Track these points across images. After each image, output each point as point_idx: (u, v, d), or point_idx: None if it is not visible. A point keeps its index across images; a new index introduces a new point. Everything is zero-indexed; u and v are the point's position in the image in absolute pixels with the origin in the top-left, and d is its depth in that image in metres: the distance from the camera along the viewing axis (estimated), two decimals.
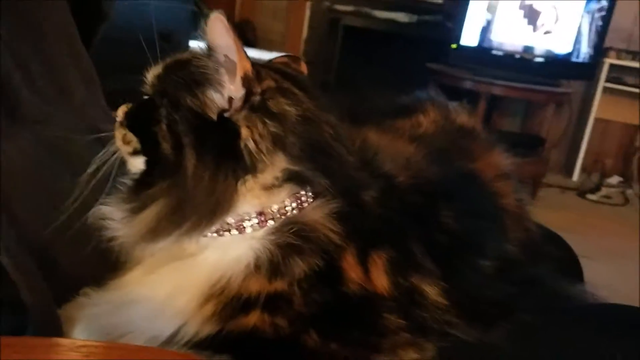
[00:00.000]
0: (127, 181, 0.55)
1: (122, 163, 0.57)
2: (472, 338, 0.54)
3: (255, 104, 0.51)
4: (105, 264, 0.58)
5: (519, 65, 3.42)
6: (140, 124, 0.54)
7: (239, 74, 0.49)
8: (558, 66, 3.48)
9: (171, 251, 0.52)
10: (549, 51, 3.49)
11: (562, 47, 3.48)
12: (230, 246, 0.51)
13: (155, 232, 0.50)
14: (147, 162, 0.53)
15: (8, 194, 0.54)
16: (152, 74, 0.56)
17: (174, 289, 0.51)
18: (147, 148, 0.53)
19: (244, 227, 0.52)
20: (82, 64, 0.76)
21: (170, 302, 0.50)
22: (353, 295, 0.51)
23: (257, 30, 3.41)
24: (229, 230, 0.52)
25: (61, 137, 0.64)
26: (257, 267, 0.49)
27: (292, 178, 0.52)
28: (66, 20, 0.77)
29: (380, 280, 0.53)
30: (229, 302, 0.49)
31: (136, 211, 0.51)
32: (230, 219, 0.51)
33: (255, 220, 0.52)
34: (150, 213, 0.50)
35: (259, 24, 3.45)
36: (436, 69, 3.56)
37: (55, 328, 0.51)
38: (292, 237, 0.50)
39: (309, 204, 0.54)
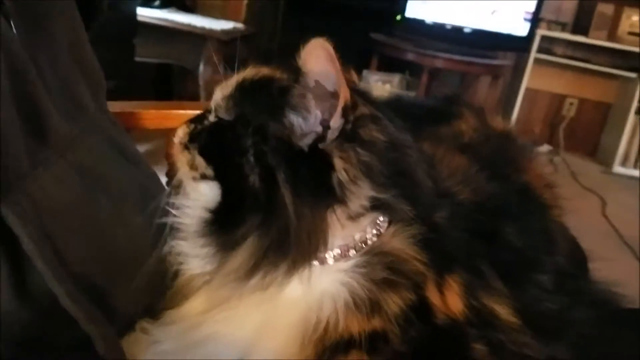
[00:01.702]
0: (200, 212, 0.51)
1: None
2: (544, 356, 0.55)
3: (348, 133, 0.48)
4: (156, 293, 0.54)
5: (460, 38, 3.47)
6: (217, 152, 0.49)
7: (341, 104, 0.45)
8: (496, 39, 3.57)
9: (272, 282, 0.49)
10: (487, 25, 3.55)
11: (500, 20, 3.56)
12: (315, 279, 0.49)
13: (251, 273, 0.46)
14: (226, 194, 0.49)
15: (55, 236, 0.49)
16: (220, 94, 0.52)
17: (261, 329, 0.48)
18: (227, 178, 0.49)
19: (326, 258, 0.49)
20: (89, 69, 0.69)
21: (259, 343, 0.47)
22: (443, 326, 0.50)
23: None
24: (314, 262, 0.49)
25: (88, 158, 0.57)
26: (356, 305, 0.47)
27: (377, 206, 0.50)
28: (75, 21, 0.69)
29: (456, 304, 0.52)
30: (331, 345, 0.46)
31: (227, 249, 0.47)
32: (322, 250, 0.49)
33: (338, 251, 0.50)
34: (244, 252, 0.46)
35: None
36: (379, 40, 3.56)
37: None
38: (386, 271, 0.48)
39: (385, 229, 0.52)
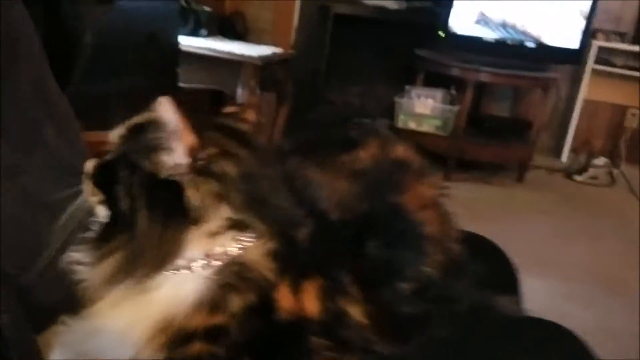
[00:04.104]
0: (96, 228, 0.65)
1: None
2: (389, 352, 0.65)
3: (200, 168, 0.60)
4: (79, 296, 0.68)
5: (506, 51, 3.49)
6: (105, 181, 0.63)
7: (182, 147, 0.59)
8: (546, 52, 3.55)
9: (138, 285, 0.62)
10: (537, 38, 3.54)
11: (549, 33, 3.53)
12: (181, 284, 0.61)
13: (112, 280, 0.60)
14: (110, 215, 0.63)
15: None
16: (116, 133, 0.66)
17: (131, 322, 0.61)
18: (110, 203, 0.63)
19: (193, 268, 0.62)
20: (56, 109, 0.84)
21: (128, 332, 0.60)
22: (283, 322, 0.61)
23: (248, 21, 3.47)
24: (181, 270, 0.62)
25: (35, 186, 0.73)
26: (199, 304, 0.60)
27: (234, 225, 0.62)
28: (40, 67, 0.85)
29: (312, 306, 0.63)
30: (175, 335, 0.59)
31: (98, 261, 0.61)
32: (181, 262, 0.62)
33: (203, 262, 0.62)
34: (108, 264, 0.60)
35: (249, 15, 3.51)
36: (424, 56, 3.63)
37: (35, 355, 0.62)
38: (231, 277, 0.61)
39: (249, 245, 0.64)
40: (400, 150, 0.84)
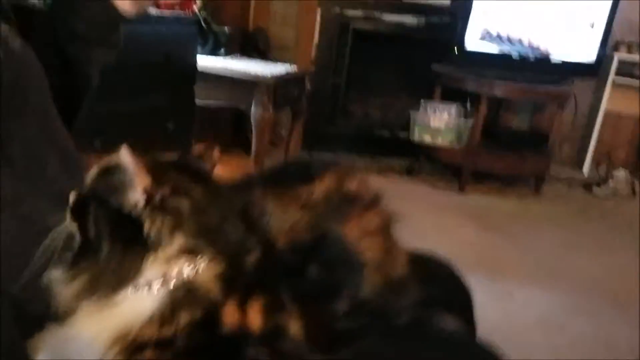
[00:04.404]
0: (72, 251, 0.77)
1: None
2: None
3: (156, 204, 0.72)
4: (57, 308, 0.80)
5: (522, 66, 3.54)
6: (79, 212, 0.76)
7: (139, 188, 0.71)
8: (562, 65, 3.58)
9: (103, 301, 0.74)
10: (553, 51, 3.58)
11: (565, 46, 3.56)
12: (140, 301, 0.73)
13: (80, 296, 0.73)
14: (81, 241, 0.75)
15: None
16: (91, 173, 0.78)
17: (98, 331, 0.73)
18: (82, 231, 0.75)
19: (152, 287, 0.74)
20: (60, 145, 0.98)
21: (95, 340, 0.73)
22: (226, 335, 0.72)
23: (270, 38, 3.61)
24: (141, 288, 0.74)
25: (34, 212, 0.86)
26: (153, 318, 0.72)
27: (188, 250, 0.74)
28: (47, 107, 0.99)
29: (255, 321, 0.74)
30: (131, 344, 0.71)
31: (69, 281, 0.73)
32: (141, 281, 0.74)
33: (161, 281, 0.74)
34: (75, 284, 0.73)
35: (272, 32, 3.65)
36: (441, 71, 3.70)
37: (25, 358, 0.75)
38: (181, 296, 0.72)
39: (201, 268, 0.75)
40: (354, 184, 0.94)
